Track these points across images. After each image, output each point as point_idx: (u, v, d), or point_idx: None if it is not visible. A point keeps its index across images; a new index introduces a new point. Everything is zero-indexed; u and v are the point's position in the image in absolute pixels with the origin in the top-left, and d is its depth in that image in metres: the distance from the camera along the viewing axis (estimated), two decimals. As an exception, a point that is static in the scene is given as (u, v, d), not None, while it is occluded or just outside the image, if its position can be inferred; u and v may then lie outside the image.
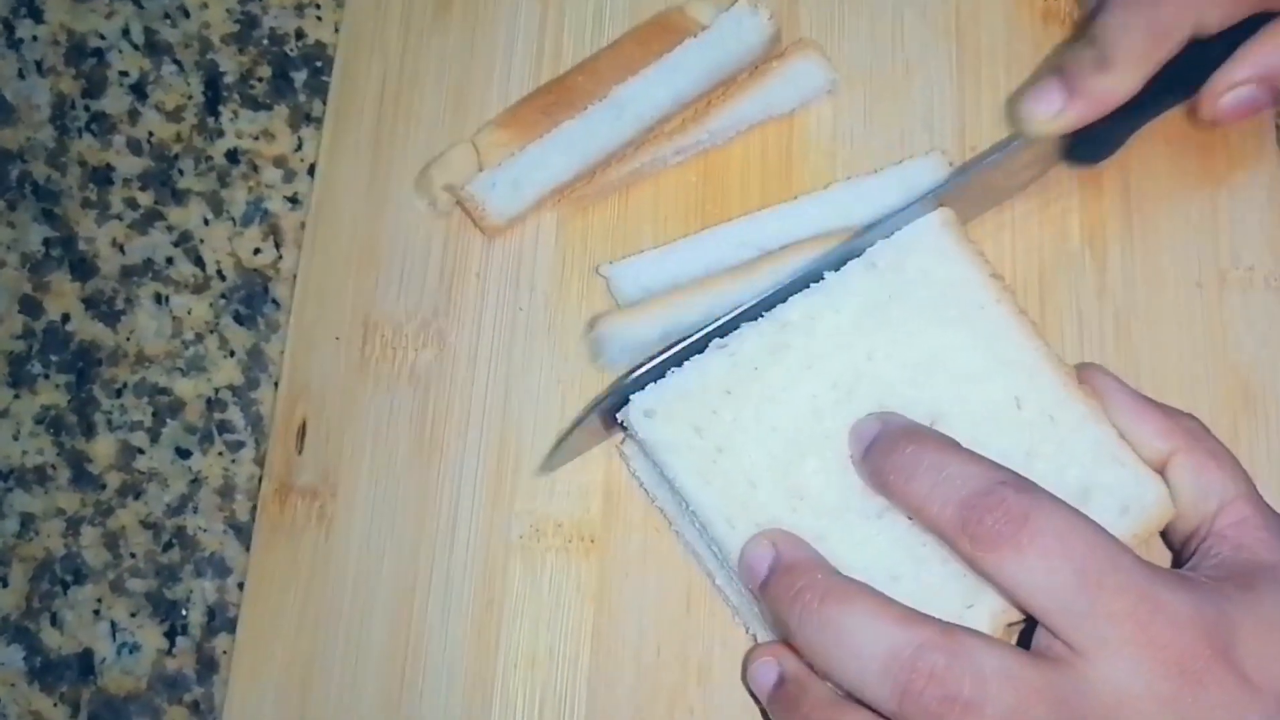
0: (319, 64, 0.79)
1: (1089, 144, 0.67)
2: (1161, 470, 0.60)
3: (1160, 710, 0.52)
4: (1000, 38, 0.73)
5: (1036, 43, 0.73)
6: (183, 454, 0.72)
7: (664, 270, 0.69)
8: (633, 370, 0.62)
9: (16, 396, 0.73)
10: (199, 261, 0.75)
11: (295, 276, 0.73)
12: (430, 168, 0.73)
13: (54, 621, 0.70)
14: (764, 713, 0.61)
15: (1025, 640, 0.56)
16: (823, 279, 0.63)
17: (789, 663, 0.59)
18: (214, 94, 0.79)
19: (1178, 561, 0.61)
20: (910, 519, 0.59)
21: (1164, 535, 0.62)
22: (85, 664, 0.69)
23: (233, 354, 0.74)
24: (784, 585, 0.57)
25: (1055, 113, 0.64)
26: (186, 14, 0.80)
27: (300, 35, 0.80)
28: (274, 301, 0.74)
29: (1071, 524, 0.54)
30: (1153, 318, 0.68)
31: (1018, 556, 0.54)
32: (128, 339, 0.74)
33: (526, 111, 0.73)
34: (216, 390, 0.73)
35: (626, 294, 0.69)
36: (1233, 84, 0.65)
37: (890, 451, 0.58)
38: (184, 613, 0.70)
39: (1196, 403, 0.66)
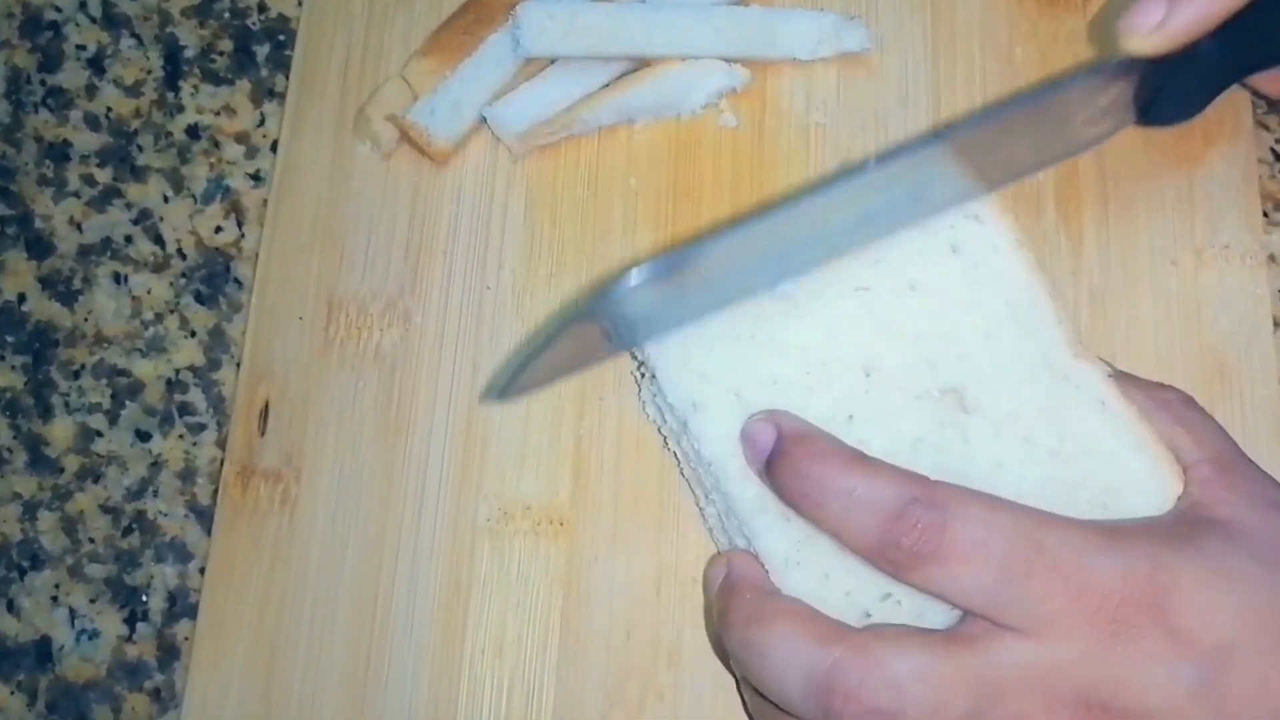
0: (282, 38, 0.77)
1: (1170, 102, 0.64)
2: None
3: (1091, 669, 0.52)
4: (975, 11, 0.73)
5: (1011, 19, 0.72)
6: (142, 436, 0.71)
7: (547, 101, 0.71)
8: (620, 280, 0.57)
9: (-29, 378, 0.72)
10: (159, 240, 0.74)
11: (257, 255, 0.72)
12: (365, 108, 0.72)
13: (10, 608, 0.69)
14: (741, 695, 0.61)
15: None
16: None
17: (736, 563, 0.59)
18: (174, 68, 0.78)
19: None
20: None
21: None
22: (43, 651, 0.69)
23: (193, 334, 0.73)
24: (722, 607, 0.57)
25: (1158, 22, 0.60)
26: (145, -14, 0.79)
27: (263, 9, 0.78)
28: (236, 281, 0.73)
29: (989, 522, 0.53)
30: (1128, 296, 0.68)
31: (941, 569, 0.53)
32: (85, 319, 0.73)
33: (448, 36, 0.73)
34: (177, 371, 0.72)
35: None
36: None
37: (794, 473, 0.57)
38: (144, 599, 0.69)
39: (1172, 380, 0.64)
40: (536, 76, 0.71)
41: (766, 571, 0.58)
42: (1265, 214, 0.69)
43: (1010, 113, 0.61)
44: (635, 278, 0.56)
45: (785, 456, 0.57)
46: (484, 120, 0.72)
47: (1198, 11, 0.60)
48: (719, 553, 0.61)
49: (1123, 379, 0.60)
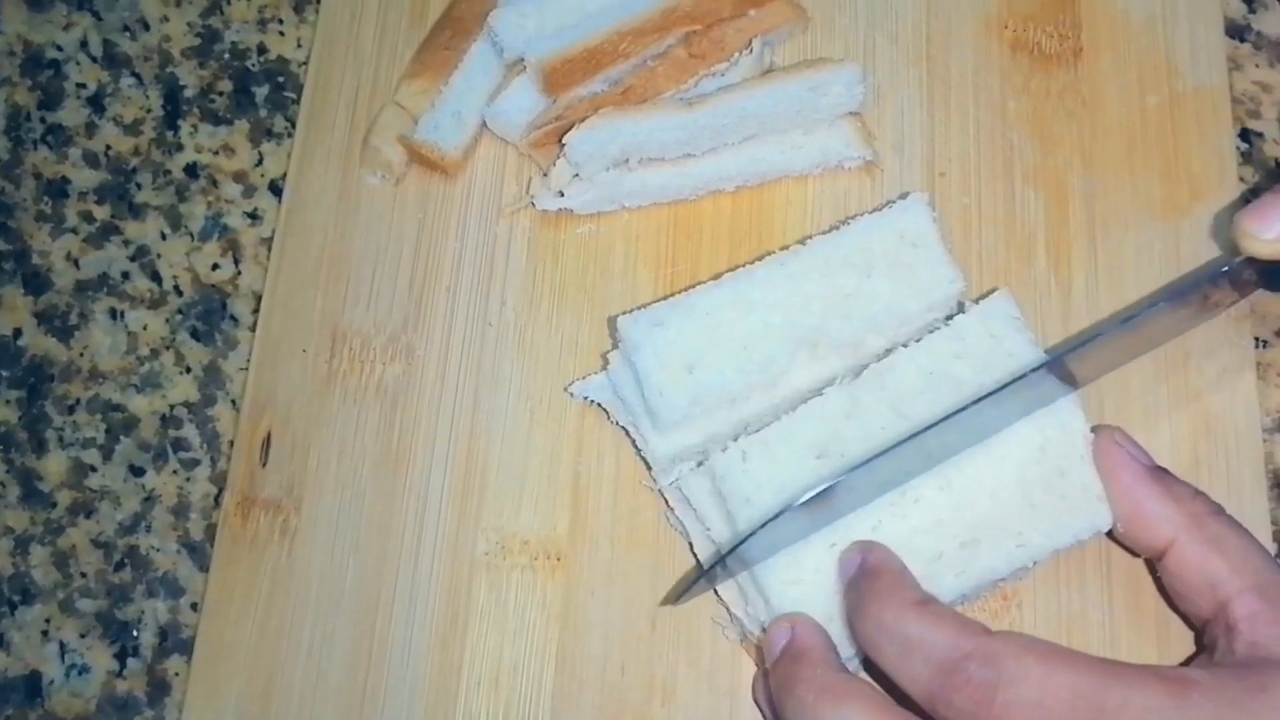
0: (281, 79, 0.81)
1: None
2: (1161, 556, 0.61)
3: None
4: (969, 65, 0.77)
5: (1004, 71, 0.76)
6: (136, 472, 0.74)
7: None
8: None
9: (-35, 410, 0.75)
10: (155, 277, 0.77)
11: (254, 293, 0.76)
12: (369, 138, 0.75)
13: (1, 642, 0.71)
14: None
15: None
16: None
17: (801, 628, 0.60)
18: (173, 108, 0.81)
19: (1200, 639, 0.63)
20: None
21: (1183, 617, 0.64)
22: (33, 686, 0.71)
23: (189, 370, 0.75)
24: (787, 672, 0.59)
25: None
26: (146, 26, 0.83)
27: (262, 50, 0.82)
28: (232, 318, 0.76)
29: (1044, 681, 0.54)
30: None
31: None
32: (81, 354, 0.76)
33: (430, 54, 0.77)
34: (172, 407, 0.75)
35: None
36: None
37: (858, 610, 0.59)
38: (135, 634, 0.71)
39: (1158, 429, 0.69)
40: (524, 73, 0.74)
41: (833, 643, 0.60)
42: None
43: (1131, 332, 0.64)
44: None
45: (854, 590, 0.60)
46: (485, 126, 0.75)
47: None
48: (780, 616, 0.62)
49: (1146, 482, 0.62)
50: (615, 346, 0.68)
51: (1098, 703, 0.53)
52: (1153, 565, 0.64)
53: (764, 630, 0.62)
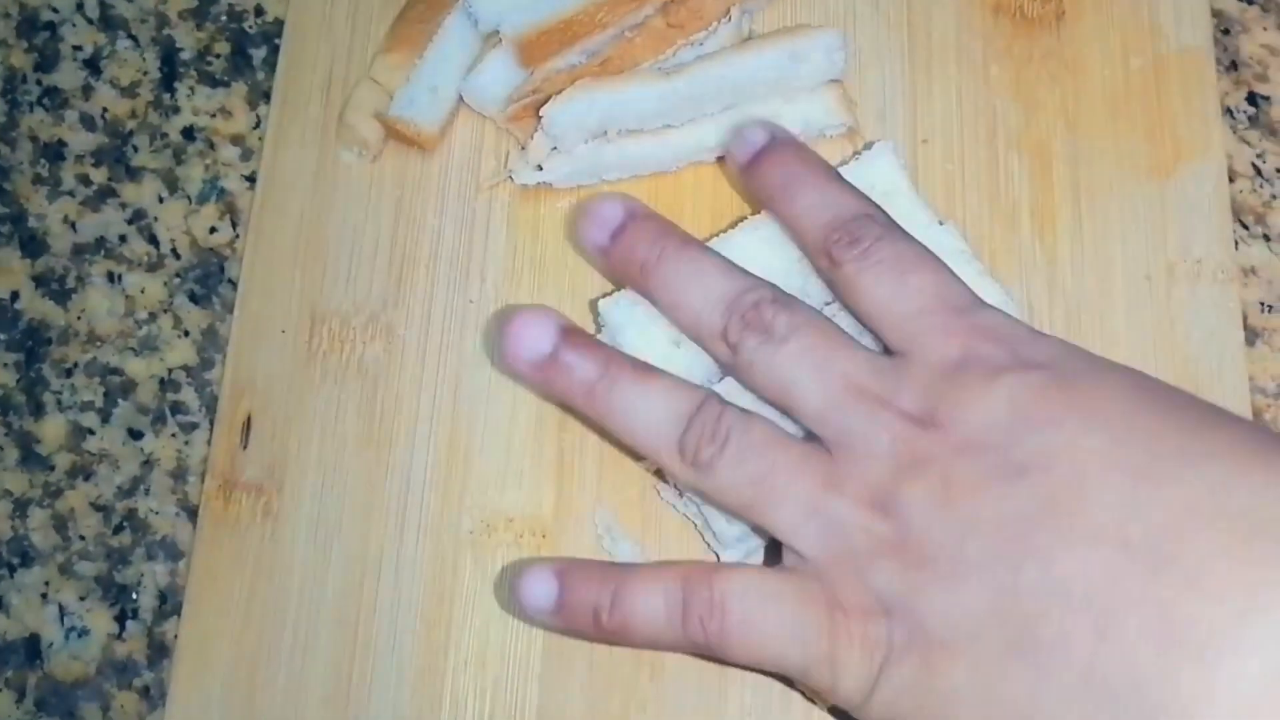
0: (278, 41, 0.61)
1: None
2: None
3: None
4: (951, 30, 0.57)
5: (986, 35, 0.57)
6: (134, 435, 0.56)
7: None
8: None
9: (-37, 377, 0.57)
10: (153, 240, 0.59)
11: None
12: (344, 115, 0.57)
13: (0, 605, 0.54)
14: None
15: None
16: None
17: None
18: (170, 70, 0.61)
19: None
20: None
21: None
22: (32, 648, 0.54)
23: (187, 334, 0.57)
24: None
25: None
26: (142, -12, 0.63)
27: (260, 12, 0.62)
28: (230, 281, 0.58)
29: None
30: (1103, 310, 0.53)
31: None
32: (79, 318, 0.58)
33: (405, 28, 0.57)
34: (170, 371, 0.57)
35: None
36: None
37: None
38: (134, 596, 0.54)
39: None
40: (500, 45, 0.56)
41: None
42: (1246, 226, 0.55)
43: None
44: None
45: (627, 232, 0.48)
46: (462, 100, 0.57)
47: None
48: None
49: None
50: (599, 331, 0.50)
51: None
52: None
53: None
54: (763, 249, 0.49)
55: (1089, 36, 0.57)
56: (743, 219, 0.51)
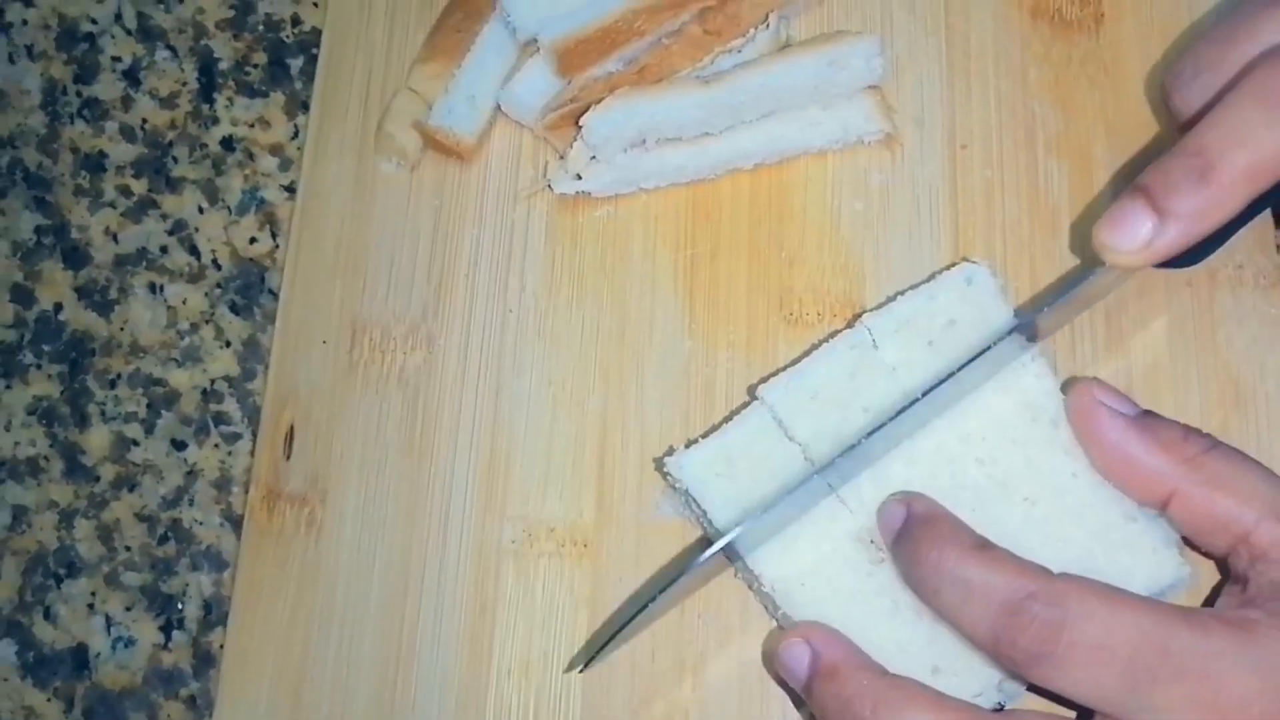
0: (315, 51, 0.61)
1: (1189, 255, 0.48)
2: (1166, 505, 0.45)
3: None
4: (989, 34, 0.57)
5: (1024, 38, 0.57)
6: (178, 446, 0.56)
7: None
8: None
9: (8, 387, 0.57)
10: (194, 250, 0.59)
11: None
12: (383, 125, 0.57)
13: (47, 615, 0.55)
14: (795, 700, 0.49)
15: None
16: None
17: (821, 643, 0.45)
18: (209, 80, 0.62)
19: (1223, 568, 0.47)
20: None
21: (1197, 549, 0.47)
22: (79, 659, 0.54)
23: (228, 344, 0.58)
24: (829, 693, 0.43)
25: (1144, 242, 0.46)
26: (180, -1, 0.63)
27: (296, 21, 0.62)
28: (270, 292, 0.58)
29: (1109, 622, 0.40)
30: (1144, 317, 0.53)
31: (1059, 670, 0.41)
32: (121, 329, 0.58)
33: (442, 38, 0.58)
34: (212, 381, 0.57)
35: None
36: None
37: (914, 558, 0.44)
38: (180, 606, 0.55)
39: (1188, 402, 0.52)
40: (538, 54, 0.56)
41: (856, 645, 0.45)
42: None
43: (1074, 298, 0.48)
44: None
45: (907, 539, 0.44)
46: (500, 109, 0.57)
47: (1189, 230, 0.45)
48: (780, 627, 0.48)
49: (1143, 429, 0.45)
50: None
51: (1162, 645, 0.40)
52: None
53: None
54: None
55: (1129, 39, 0.56)
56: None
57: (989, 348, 0.47)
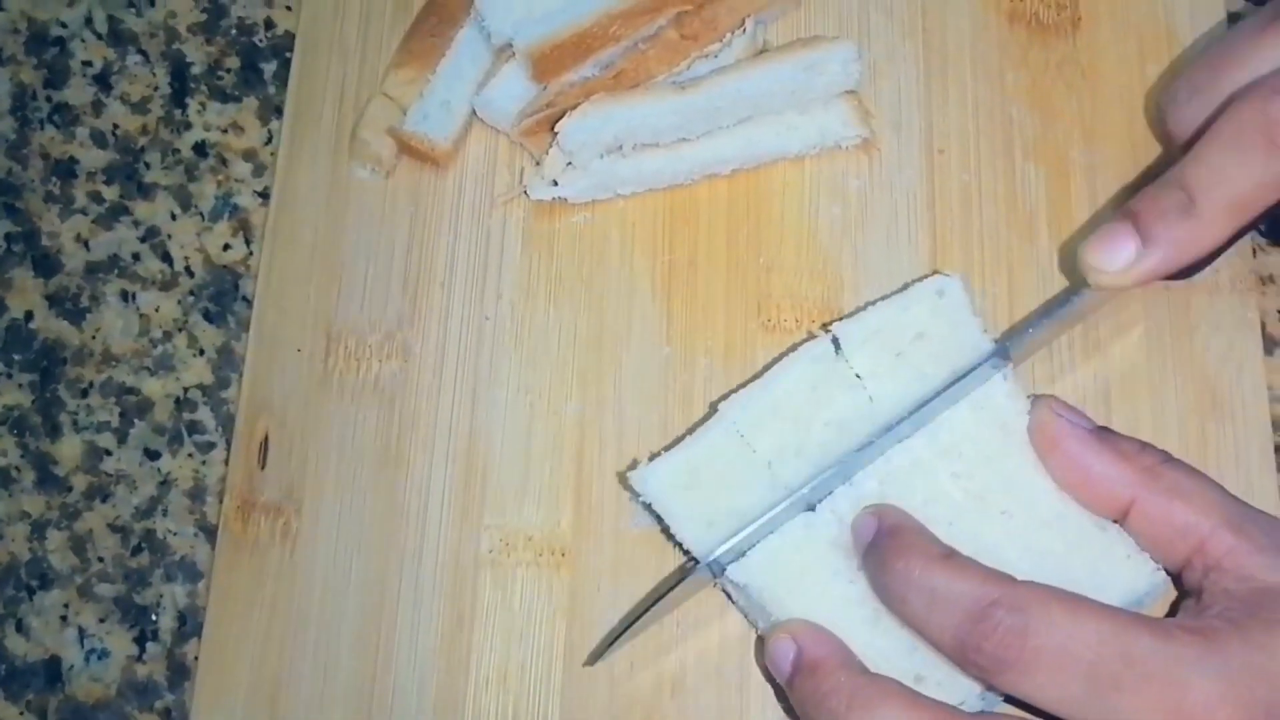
0: (288, 55, 0.61)
1: (1182, 272, 0.49)
2: (1125, 516, 0.46)
3: None
4: (966, 38, 0.57)
5: (1002, 43, 0.57)
6: (151, 455, 0.56)
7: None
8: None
9: (-21, 398, 0.57)
10: (166, 257, 0.58)
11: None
12: (358, 131, 0.56)
13: (19, 628, 0.54)
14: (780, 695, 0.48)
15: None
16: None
17: (806, 640, 0.45)
18: (180, 85, 0.61)
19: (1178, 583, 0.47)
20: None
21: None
22: (52, 671, 0.54)
23: (202, 353, 0.57)
24: (808, 688, 0.44)
25: (1127, 264, 0.46)
26: (151, 2, 0.62)
27: (269, 25, 0.62)
28: (244, 299, 0.58)
29: (1073, 629, 0.41)
30: (1121, 322, 0.53)
31: (1025, 676, 0.41)
32: (93, 337, 0.57)
33: (417, 42, 0.57)
34: (185, 390, 0.57)
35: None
36: None
37: (881, 567, 0.44)
38: (154, 618, 0.54)
39: (1165, 407, 0.52)
40: (513, 59, 0.55)
41: (842, 643, 0.46)
42: (1260, 232, 0.55)
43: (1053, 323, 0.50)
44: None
45: (875, 550, 0.45)
46: (475, 114, 0.56)
47: (1173, 255, 0.46)
48: (775, 626, 0.47)
49: (1102, 440, 0.46)
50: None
51: (1124, 651, 0.40)
52: None
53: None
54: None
55: (1105, 43, 0.56)
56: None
57: (969, 372, 0.47)
